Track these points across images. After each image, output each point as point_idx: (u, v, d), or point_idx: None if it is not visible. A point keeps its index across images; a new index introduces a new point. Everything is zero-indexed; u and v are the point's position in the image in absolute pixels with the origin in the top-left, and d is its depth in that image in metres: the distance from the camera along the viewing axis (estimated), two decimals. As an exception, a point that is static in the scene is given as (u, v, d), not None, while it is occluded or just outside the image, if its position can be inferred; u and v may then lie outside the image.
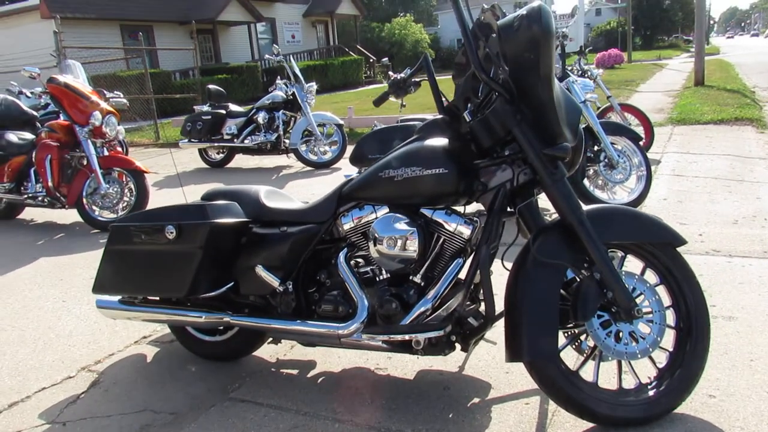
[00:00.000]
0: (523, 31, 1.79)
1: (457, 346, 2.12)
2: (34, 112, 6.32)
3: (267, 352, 2.69)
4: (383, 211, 2.15)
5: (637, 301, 1.95)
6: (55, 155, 5.15)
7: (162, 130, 11.81)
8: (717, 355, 2.33)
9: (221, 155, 8.33)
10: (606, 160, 4.51)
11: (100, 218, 5.16)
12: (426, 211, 2.11)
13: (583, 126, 4.29)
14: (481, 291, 2.06)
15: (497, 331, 2.32)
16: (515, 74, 1.87)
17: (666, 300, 2.04)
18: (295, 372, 2.52)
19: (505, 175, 2.03)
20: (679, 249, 2.02)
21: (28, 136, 5.71)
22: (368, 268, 2.25)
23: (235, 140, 7.89)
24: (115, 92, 7.83)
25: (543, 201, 2.03)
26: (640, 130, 5.62)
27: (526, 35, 1.78)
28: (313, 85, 7.81)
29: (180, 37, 21.42)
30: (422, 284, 2.13)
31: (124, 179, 5.24)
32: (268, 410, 2.24)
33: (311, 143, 7.64)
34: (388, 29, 33.96)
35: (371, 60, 27.25)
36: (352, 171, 2.73)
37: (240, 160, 8.50)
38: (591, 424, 1.97)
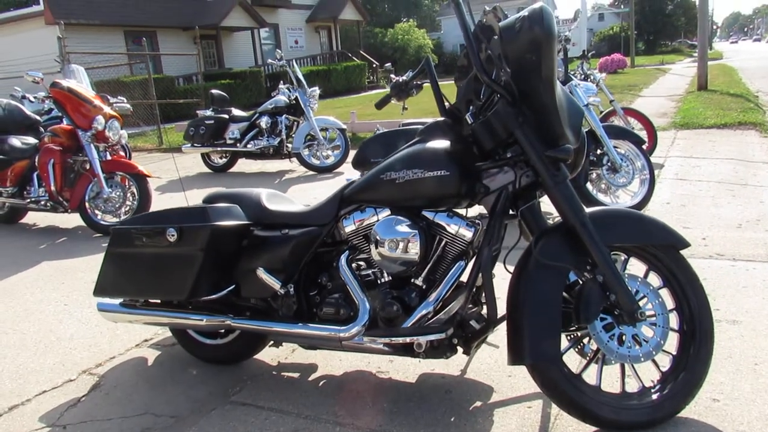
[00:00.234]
0: (524, 33, 1.78)
1: (459, 349, 2.11)
2: (38, 117, 6.34)
3: (268, 355, 2.68)
4: (385, 213, 2.15)
5: (641, 304, 1.94)
6: (57, 159, 5.16)
7: (165, 135, 11.84)
8: (721, 359, 2.31)
9: (224, 160, 8.34)
10: (609, 164, 4.50)
11: (102, 222, 5.17)
12: (428, 214, 2.11)
13: (586, 129, 4.28)
14: (483, 294, 2.06)
15: (499, 334, 2.30)
16: (517, 76, 1.87)
17: (669, 303, 2.02)
18: (296, 375, 2.51)
19: (507, 177, 2.02)
20: (682, 252, 2.01)
21: (31, 140, 5.72)
22: (370, 271, 2.24)
23: (238, 145, 7.90)
24: (119, 97, 7.85)
25: (546, 206, 2.02)
26: (643, 134, 5.61)
27: (527, 37, 1.78)
28: (316, 90, 7.83)
29: (183, 43, 21.51)
30: (424, 287, 2.13)
31: (126, 183, 5.25)
32: (269, 413, 2.23)
33: (314, 148, 7.65)
34: (391, 34, 34.02)
35: (374, 65, 27.29)
36: (355, 175, 2.72)
37: (243, 165, 8.51)
38: (594, 428, 1.95)
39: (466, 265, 2.09)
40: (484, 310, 2.10)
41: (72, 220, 5.68)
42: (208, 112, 8.22)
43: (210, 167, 8.43)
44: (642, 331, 1.96)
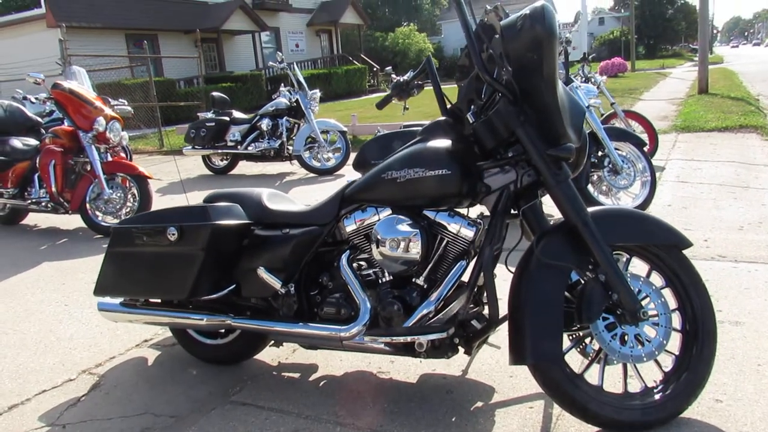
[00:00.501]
0: (526, 31, 1.78)
1: (461, 349, 2.10)
2: (39, 119, 6.34)
3: (268, 355, 2.67)
4: (386, 212, 2.14)
5: (643, 303, 1.93)
6: (58, 161, 5.16)
7: (166, 137, 11.84)
8: (724, 360, 2.30)
9: (225, 162, 8.34)
10: (610, 166, 4.50)
11: (103, 223, 5.16)
12: (429, 213, 2.10)
13: (587, 131, 4.28)
14: (485, 294, 2.05)
15: (501, 335, 2.30)
16: (518, 75, 1.86)
17: (672, 303, 2.01)
18: (296, 375, 2.50)
19: (509, 176, 2.01)
20: (684, 252, 2.00)
21: (32, 141, 5.72)
22: (371, 271, 2.23)
23: (239, 147, 7.90)
24: (120, 100, 7.86)
25: (549, 209, 2.01)
26: (644, 137, 5.61)
27: (529, 35, 1.77)
28: (317, 92, 7.83)
29: (185, 46, 21.55)
30: (425, 286, 2.12)
31: (127, 184, 5.25)
32: (270, 413, 2.22)
33: (314, 150, 7.65)
34: (391, 38, 34.08)
35: (375, 69, 27.34)
36: (356, 177, 2.71)
37: (243, 167, 8.50)
38: (596, 429, 1.94)
39: (468, 264, 2.08)
40: (486, 310, 2.09)
41: (73, 221, 5.68)
42: (209, 115, 8.22)
43: (211, 169, 8.43)
44: (644, 331, 1.95)
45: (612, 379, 2.08)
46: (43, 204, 5.37)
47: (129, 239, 2.39)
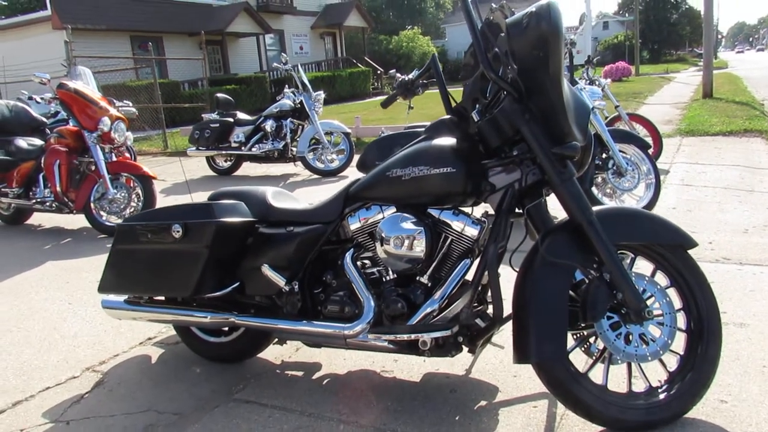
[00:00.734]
0: (532, 29, 1.78)
1: (464, 348, 2.09)
2: (44, 119, 6.37)
3: (272, 354, 2.67)
4: (390, 211, 2.14)
5: (648, 303, 1.92)
6: (63, 160, 5.18)
7: (170, 139, 11.87)
8: (728, 361, 2.30)
9: (229, 163, 8.36)
10: (614, 168, 4.49)
11: (107, 223, 5.17)
12: (433, 211, 2.10)
13: (592, 133, 4.27)
14: (489, 293, 2.05)
15: (505, 335, 2.30)
16: (524, 73, 1.86)
17: (677, 302, 2.01)
18: (300, 374, 2.50)
19: (514, 175, 2.01)
20: (689, 253, 1.99)
21: (38, 141, 5.74)
22: (375, 269, 2.23)
23: (243, 148, 7.91)
24: (125, 101, 7.90)
25: (555, 212, 2.00)
26: (648, 140, 5.59)
27: (535, 33, 1.77)
28: (321, 94, 7.84)
29: (189, 48, 21.62)
30: (429, 285, 2.12)
31: (131, 184, 5.26)
32: (273, 411, 2.21)
33: (318, 151, 7.66)
34: (395, 42, 34.12)
35: (379, 72, 27.37)
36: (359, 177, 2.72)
37: (247, 168, 8.52)
38: (600, 428, 1.94)
39: (472, 263, 2.08)
40: (490, 309, 2.08)
41: (77, 221, 5.69)
42: (213, 116, 8.24)
43: (215, 170, 8.44)
44: (649, 330, 1.95)
45: (616, 380, 2.07)
46: (48, 204, 5.38)
47: (133, 236, 2.39)
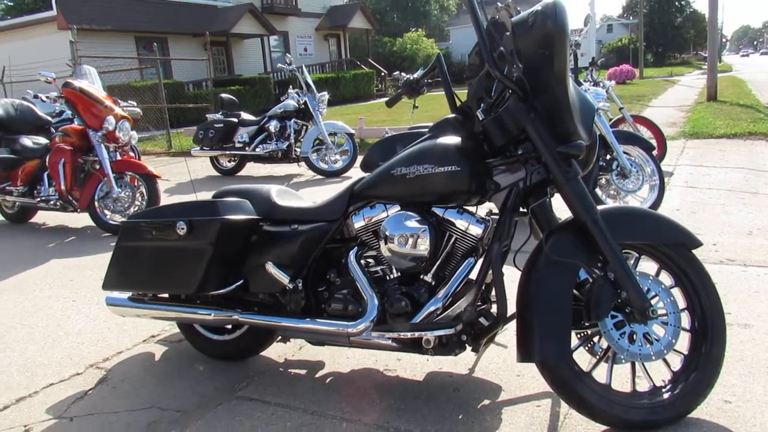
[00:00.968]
0: (537, 27, 1.78)
1: (468, 347, 2.09)
2: (49, 118, 6.38)
3: (275, 352, 2.68)
4: (394, 209, 2.14)
5: (652, 302, 1.92)
6: (68, 159, 5.19)
7: (174, 139, 11.90)
8: (733, 362, 2.29)
9: (232, 163, 8.37)
10: (618, 169, 4.48)
11: (111, 222, 5.19)
12: (438, 210, 2.10)
13: (597, 134, 4.27)
14: (493, 291, 2.05)
15: (508, 334, 2.30)
16: (529, 71, 1.86)
17: (681, 302, 2.00)
18: (303, 372, 2.50)
19: (518, 174, 2.01)
20: (693, 253, 1.99)
21: (42, 140, 5.76)
22: (378, 268, 2.23)
23: (247, 148, 7.93)
24: (129, 101, 7.91)
25: (559, 213, 2.00)
26: (652, 142, 5.59)
27: (540, 31, 1.77)
28: (325, 95, 7.85)
29: (194, 49, 21.68)
30: (433, 283, 2.11)
31: (136, 183, 5.28)
32: (276, 409, 2.22)
33: (322, 152, 7.67)
34: (399, 44, 34.15)
35: (383, 73, 27.40)
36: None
37: (251, 168, 8.53)
38: (603, 427, 1.93)
39: (476, 262, 2.08)
40: (494, 308, 2.08)
41: (81, 219, 5.71)
42: (218, 116, 8.26)
43: (218, 170, 8.46)
44: (653, 329, 1.94)
45: (620, 379, 2.06)
46: (52, 202, 5.40)
47: (138, 233, 2.40)
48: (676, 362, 2.00)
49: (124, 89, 12.99)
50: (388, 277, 2.19)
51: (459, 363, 2.43)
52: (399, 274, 2.16)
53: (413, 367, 2.45)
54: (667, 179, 5.54)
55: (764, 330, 2.58)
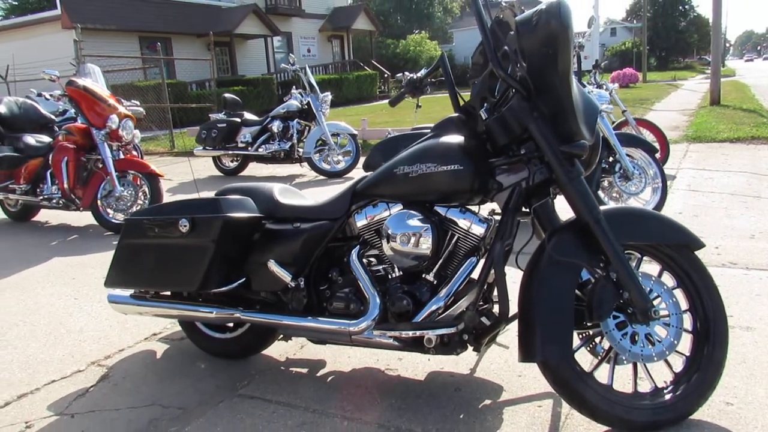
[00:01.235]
0: (541, 27, 1.78)
1: (469, 347, 2.09)
2: (52, 116, 6.40)
3: (277, 351, 2.68)
4: (397, 208, 2.14)
5: (654, 303, 1.92)
6: (71, 157, 5.20)
7: (177, 139, 11.91)
8: (734, 364, 2.29)
9: (235, 163, 8.38)
10: (621, 171, 4.48)
11: (113, 220, 5.19)
12: (440, 209, 2.10)
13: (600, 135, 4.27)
14: (495, 291, 2.04)
15: (509, 335, 2.30)
16: (533, 71, 1.86)
17: (683, 303, 2.00)
18: (304, 371, 2.50)
19: (521, 173, 2.01)
20: (696, 255, 1.99)
21: (46, 139, 5.77)
22: (380, 267, 2.23)
23: (250, 148, 7.94)
24: (132, 101, 7.93)
25: (563, 215, 2.00)
26: (655, 145, 5.58)
27: (544, 30, 1.77)
28: (328, 95, 7.85)
29: (197, 49, 21.72)
30: (435, 282, 2.11)
31: (138, 182, 5.29)
32: (277, 407, 2.22)
33: (325, 152, 7.67)
34: (403, 46, 34.18)
35: (386, 75, 27.42)
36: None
37: (253, 169, 8.54)
38: (605, 428, 1.93)
39: (478, 261, 2.08)
40: (495, 308, 2.08)
41: (83, 218, 5.72)
42: (221, 116, 8.26)
43: (221, 170, 8.47)
44: (655, 330, 1.94)
45: (622, 380, 2.06)
46: (55, 200, 5.41)
47: (141, 231, 2.40)
48: (678, 363, 1.99)
49: (128, 89, 13.02)
50: (390, 276, 2.19)
51: (460, 363, 2.43)
52: (401, 273, 2.16)
53: (414, 366, 2.45)
54: (669, 182, 5.53)
55: (766, 333, 2.57)
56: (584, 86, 4.81)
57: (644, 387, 1.98)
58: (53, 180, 5.41)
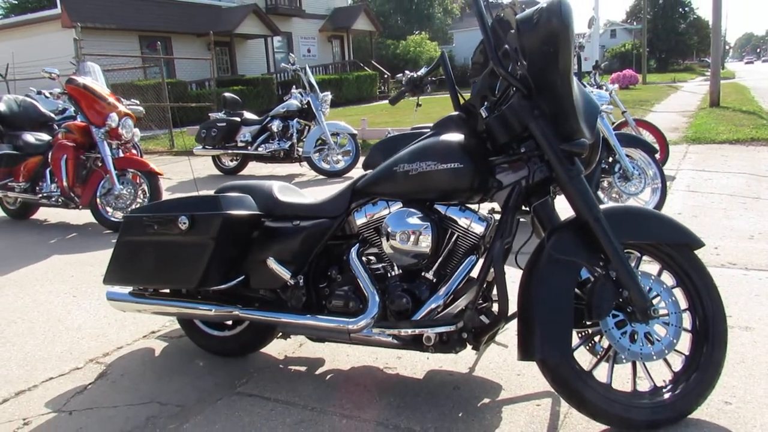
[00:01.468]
0: (542, 25, 1.78)
1: (468, 345, 2.08)
2: (52, 114, 6.39)
3: (275, 349, 2.67)
4: (397, 206, 2.14)
5: (654, 302, 1.92)
6: (70, 155, 5.19)
7: (177, 138, 11.91)
8: (733, 364, 2.29)
9: (235, 162, 8.37)
10: (621, 172, 4.48)
11: (112, 219, 5.19)
12: (440, 207, 2.10)
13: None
14: (494, 290, 2.04)
15: (508, 334, 2.30)
16: (533, 69, 1.86)
17: (683, 303, 2.00)
18: (303, 369, 2.50)
19: (521, 172, 2.01)
20: (695, 254, 1.99)
21: (45, 137, 5.76)
22: (380, 265, 2.23)
23: (249, 148, 7.92)
24: (132, 100, 7.92)
25: (563, 215, 2.00)
26: (655, 146, 5.58)
27: (545, 28, 1.77)
28: (328, 95, 7.85)
29: (197, 49, 21.70)
30: (434, 281, 2.11)
31: (138, 181, 5.28)
32: (276, 405, 2.21)
33: (324, 152, 7.67)
34: (403, 46, 34.19)
35: (386, 75, 27.42)
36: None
37: (253, 168, 8.53)
38: (604, 427, 1.93)
39: (478, 260, 2.07)
40: (495, 307, 2.08)
41: (82, 216, 5.71)
42: (220, 115, 8.26)
43: (220, 170, 8.47)
44: (654, 329, 1.94)
45: (621, 379, 2.06)
46: (54, 198, 5.40)
47: (140, 228, 2.39)
48: (677, 362, 1.99)
49: (128, 88, 13.02)
50: (389, 274, 2.19)
51: (459, 362, 2.43)
52: (400, 271, 2.16)
53: (413, 365, 2.44)
54: (669, 183, 5.53)
55: (765, 333, 2.57)
56: (584, 87, 4.81)
57: (643, 386, 1.97)
58: (52, 178, 5.40)
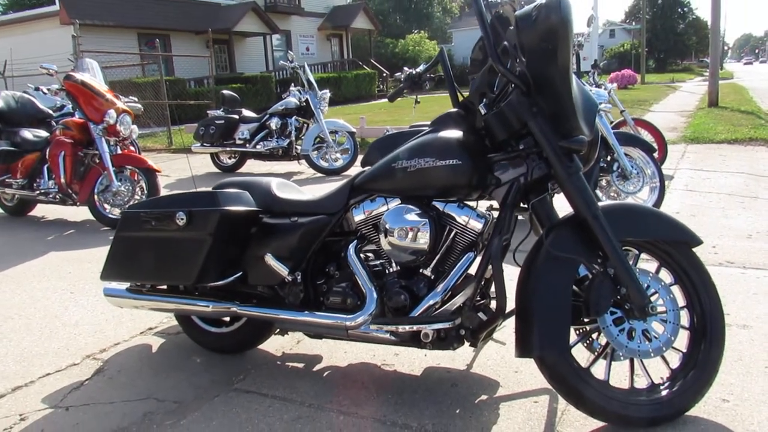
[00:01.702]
0: (541, 21, 1.77)
1: (466, 342, 2.08)
2: (50, 111, 6.38)
3: (273, 345, 2.67)
4: (395, 203, 2.13)
5: (651, 299, 1.92)
6: (68, 152, 5.18)
7: (175, 136, 11.88)
8: (731, 362, 2.29)
9: (233, 160, 8.36)
10: (619, 171, 4.48)
11: (110, 215, 5.18)
12: (438, 204, 2.09)
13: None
14: (492, 287, 2.04)
15: (506, 332, 2.30)
16: (532, 66, 1.86)
17: (681, 300, 2.00)
18: (300, 365, 2.49)
19: (519, 169, 2.01)
20: (694, 251, 1.99)
21: (43, 133, 5.75)
22: (378, 261, 2.23)
23: (248, 145, 7.91)
24: (130, 97, 7.90)
25: (562, 213, 2.00)
26: (653, 145, 5.58)
27: (544, 25, 1.77)
28: (327, 93, 7.83)
29: (196, 46, 21.66)
30: (432, 277, 2.11)
31: (135, 177, 5.27)
32: (273, 401, 2.21)
33: (323, 150, 7.66)
34: (402, 45, 34.19)
35: (384, 74, 27.41)
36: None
37: (251, 166, 8.52)
38: (601, 423, 1.93)
39: (476, 257, 2.07)
40: (493, 304, 2.07)
41: (80, 213, 5.70)
42: (219, 113, 8.24)
43: (219, 167, 8.45)
44: (652, 326, 1.94)
45: (618, 376, 2.06)
46: (52, 195, 5.39)
47: (138, 223, 2.39)
48: (674, 360, 2.00)
49: (126, 85, 12.98)
50: (387, 271, 2.19)
51: (457, 359, 2.43)
52: (398, 267, 2.16)
53: (411, 362, 2.44)
54: (667, 182, 5.54)
55: (763, 331, 2.57)
56: (583, 86, 4.80)
57: (641, 383, 1.98)
58: (50, 175, 5.39)
